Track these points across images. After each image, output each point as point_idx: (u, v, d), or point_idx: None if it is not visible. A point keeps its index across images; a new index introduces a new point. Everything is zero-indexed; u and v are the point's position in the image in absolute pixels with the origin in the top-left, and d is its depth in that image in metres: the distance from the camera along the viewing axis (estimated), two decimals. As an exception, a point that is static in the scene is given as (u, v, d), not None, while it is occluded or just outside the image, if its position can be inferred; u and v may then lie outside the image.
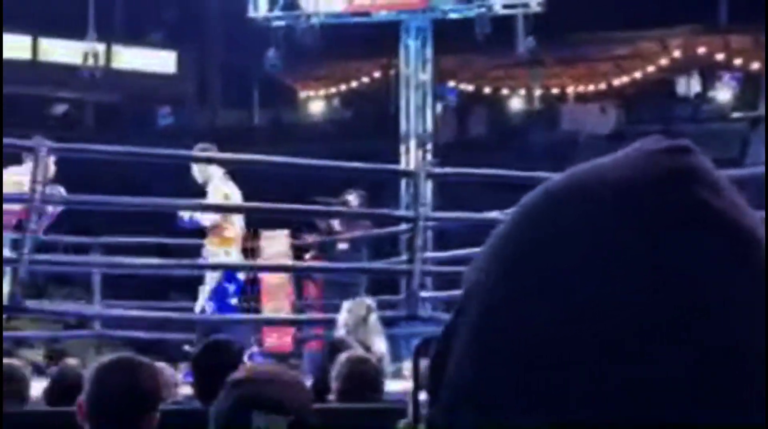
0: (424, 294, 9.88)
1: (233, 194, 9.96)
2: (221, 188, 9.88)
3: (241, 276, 10.33)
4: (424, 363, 1.34)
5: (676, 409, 0.61)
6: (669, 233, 0.64)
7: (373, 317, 6.91)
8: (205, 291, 10.09)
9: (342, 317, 6.89)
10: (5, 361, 5.72)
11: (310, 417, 2.87)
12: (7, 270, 8.83)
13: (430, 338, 1.53)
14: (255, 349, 10.33)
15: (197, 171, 9.96)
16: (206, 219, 9.88)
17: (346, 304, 7.14)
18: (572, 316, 0.62)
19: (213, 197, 9.81)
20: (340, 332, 6.64)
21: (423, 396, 1.45)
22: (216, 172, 9.90)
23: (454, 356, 0.65)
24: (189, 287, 12.07)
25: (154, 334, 11.64)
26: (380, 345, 6.85)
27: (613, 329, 0.62)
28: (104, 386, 3.61)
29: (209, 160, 9.81)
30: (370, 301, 7.51)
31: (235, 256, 10.11)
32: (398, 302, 10.08)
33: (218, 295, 10.03)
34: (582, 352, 0.62)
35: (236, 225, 10.13)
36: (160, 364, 5.87)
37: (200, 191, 10.02)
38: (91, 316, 11.36)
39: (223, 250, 10.02)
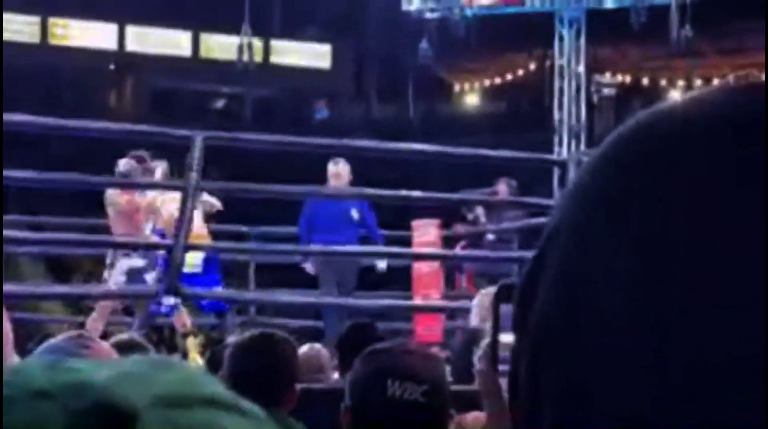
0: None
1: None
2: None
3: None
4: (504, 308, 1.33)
5: None
6: None
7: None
8: None
9: (474, 307, 6.87)
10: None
11: (444, 388, 2.90)
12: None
13: (510, 284, 1.50)
14: None
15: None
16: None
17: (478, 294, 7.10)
18: (666, 273, 0.56)
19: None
20: (474, 322, 6.62)
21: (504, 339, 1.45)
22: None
23: (538, 301, 0.61)
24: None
25: (308, 321, 11.80)
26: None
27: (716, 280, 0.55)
28: (242, 362, 3.71)
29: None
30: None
31: None
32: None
33: None
34: (678, 307, 0.55)
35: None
36: (317, 347, 5.92)
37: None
38: (247, 302, 11.56)
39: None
